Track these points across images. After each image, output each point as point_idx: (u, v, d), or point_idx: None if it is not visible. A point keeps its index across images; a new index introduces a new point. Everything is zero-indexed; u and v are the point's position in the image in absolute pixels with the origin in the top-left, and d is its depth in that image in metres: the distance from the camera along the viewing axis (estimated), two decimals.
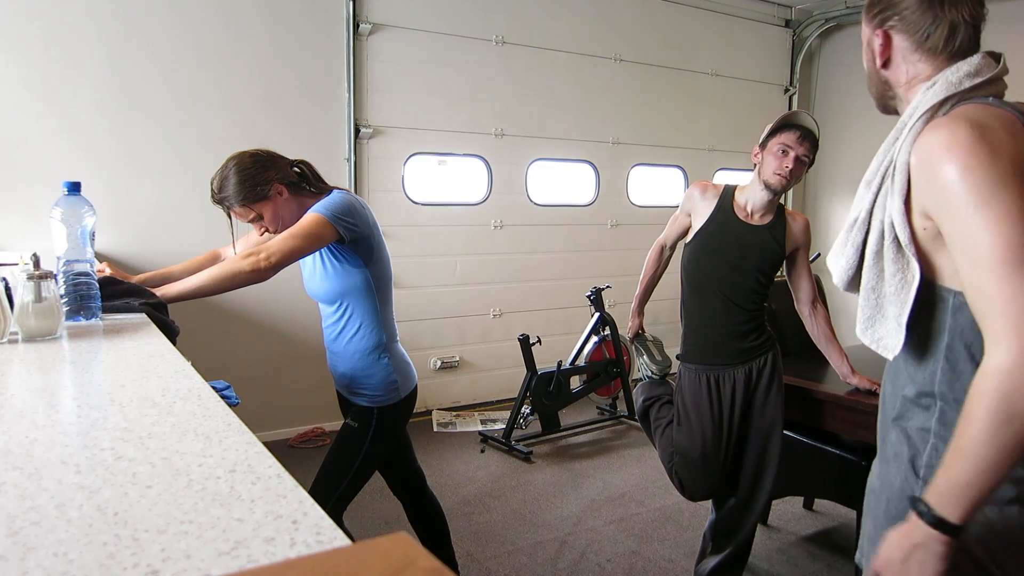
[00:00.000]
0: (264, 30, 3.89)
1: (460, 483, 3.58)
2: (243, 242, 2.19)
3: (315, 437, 4.11)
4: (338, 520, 2.03)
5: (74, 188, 1.59)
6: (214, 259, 2.19)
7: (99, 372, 1.22)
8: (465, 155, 4.70)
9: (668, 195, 5.74)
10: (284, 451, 3.95)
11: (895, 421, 1.19)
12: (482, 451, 4.03)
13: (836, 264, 1.19)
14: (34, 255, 1.47)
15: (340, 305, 2.00)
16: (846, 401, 2.41)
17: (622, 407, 4.68)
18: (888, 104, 1.20)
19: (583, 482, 3.63)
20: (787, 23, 6.16)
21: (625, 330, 2.95)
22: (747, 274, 2.31)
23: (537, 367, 4.10)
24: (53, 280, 1.45)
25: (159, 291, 1.81)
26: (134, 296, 1.75)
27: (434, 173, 4.78)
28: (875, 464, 1.26)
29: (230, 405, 1.14)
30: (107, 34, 3.50)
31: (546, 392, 4.08)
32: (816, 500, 3.33)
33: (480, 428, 4.37)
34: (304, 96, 4.05)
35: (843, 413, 2.46)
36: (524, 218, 4.93)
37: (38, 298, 1.40)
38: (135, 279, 1.96)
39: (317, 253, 1.95)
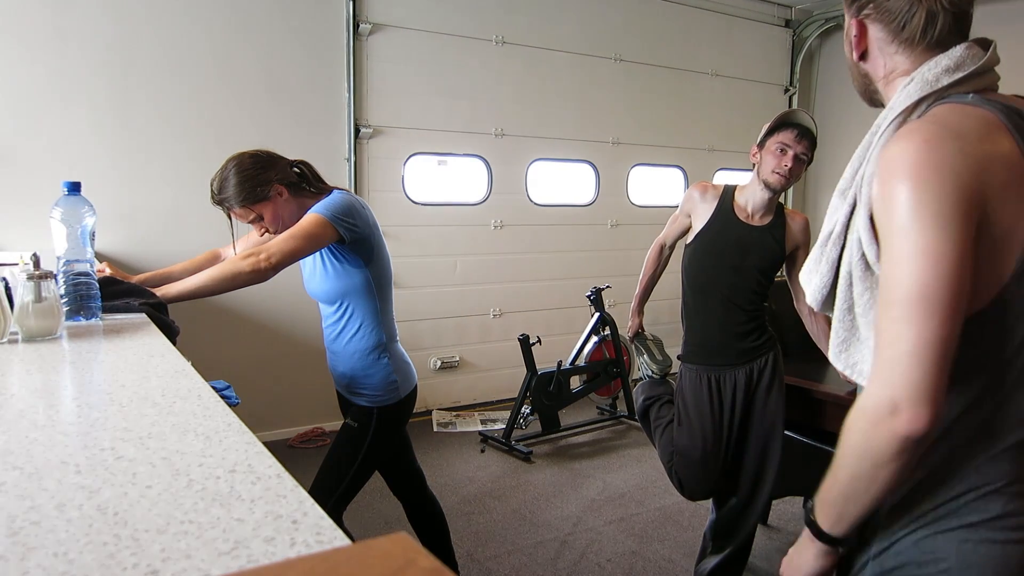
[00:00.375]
0: (264, 30, 3.89)
1: (460, 483, 3.57)
2: (243, 242, 2.19)
3: (315, 437, 4.11)
4: (338, 520, 2.03)
5: (74, 188, 1.59)
6: (214, 259, 2.19)
7: (99, 372, 1.22)
8: (465, 155, 4.70)
9: (668, 195, 5.73)
10: (284, 451, 3.95)
11: None
12: (482, 451, 4.03)
13: (810, 282, 1.08)
14: (34, 255, 1.47)
15: (340, 305, 2.00)
16: (846, 401, 2.41)
17: (622, 407, 4.68)
18: (874, 98, 1.11)
19: (583, 482, 3.63)
20: (787, 23, 6.16)
21: (625, 330, 2.95)
22: (747, 275, 2.31)
23: (537, 367, 4.09)
24: (53, 280, 1.44)
25: (159, 291, 1.81)
26: (134, 296, 1.75)
27: (434, 173, 4.77)
28: None
29: (230, 405, 1.13)
30: (107, 34, 3.50)
31: (546, 392, 4.08)
32: None
33: (480, 428, 4.37)
34: (304, 96, 4.05)
35: (843, 413, 2.39)
36: (524, 218, 4.92)
37: (38, 298, 1.40)
38: (135, 279, 1.96)
39: (317, 253, 1.95)
